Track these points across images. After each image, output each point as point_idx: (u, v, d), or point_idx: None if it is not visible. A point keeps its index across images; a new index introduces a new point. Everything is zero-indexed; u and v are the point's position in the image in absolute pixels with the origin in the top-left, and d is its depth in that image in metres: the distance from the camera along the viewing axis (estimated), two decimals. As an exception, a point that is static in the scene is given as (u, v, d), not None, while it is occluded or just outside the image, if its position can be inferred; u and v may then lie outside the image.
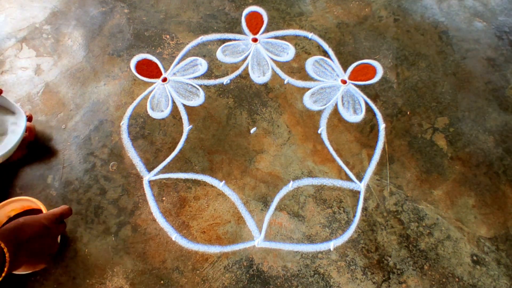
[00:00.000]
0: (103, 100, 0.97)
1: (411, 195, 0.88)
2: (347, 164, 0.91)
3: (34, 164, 0.87)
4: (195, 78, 1.02)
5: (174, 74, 1.02)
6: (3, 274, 0.49)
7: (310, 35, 1.10)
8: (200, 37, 1.08)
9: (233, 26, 1.10)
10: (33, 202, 0.73)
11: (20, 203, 0.75)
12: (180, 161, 0.89)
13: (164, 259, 0.79)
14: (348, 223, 0.84)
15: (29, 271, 0.68)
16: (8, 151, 0.63)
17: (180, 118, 0.95)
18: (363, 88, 1.02)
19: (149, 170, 0.88)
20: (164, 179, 0.87)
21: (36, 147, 0.89)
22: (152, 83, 1.00)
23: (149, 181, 0.87)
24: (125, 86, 0.99)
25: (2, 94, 0.66)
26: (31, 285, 0.75)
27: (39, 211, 0.74)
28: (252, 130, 0.94)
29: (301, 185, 0.88)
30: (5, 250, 0.49)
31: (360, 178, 0.89)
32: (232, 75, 1.02)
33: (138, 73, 1.01)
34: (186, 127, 0.94)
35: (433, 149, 0.94)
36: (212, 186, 0.87)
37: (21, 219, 0.59)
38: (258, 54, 1.06)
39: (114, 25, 1.09)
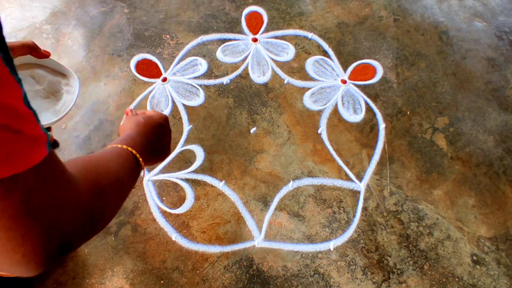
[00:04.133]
0: (103, 100, 0.96)
1: (411, 195, 0.88)
2: (347, 164, 0.91)
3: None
4: (195, 78, 1.02)
5: (174, 74, 1.02)
6: (142, 173, 0.53)
7: (310, 35, 1.10)
8: (200, 37, 1.08)
9: (233, 26, 1.10)
10: None
11: None
12: (180, 161, 0.89)
13: (164, 259, 0.79)
14: (348, 223, 0.84)
15: (157, 164, 0.73)
16: (68, 111, 0.64)
17: (180, 118, 0.95)
18: (363, 88, 1.02)
19: (149, 170, 0.88)
20: (164, 179, 0.87)
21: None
22: (152, 83, 1.00)
23: (149, 181, 0.87)
24: (125, 86, 0.99)
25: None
26: (31, 284, 0.75)
27: None
28: (252, 130, 0.94)
29: (301, 185, 0.88)
30: (141, 161, 0.51)
31: (360, 178, 0.89)
32: (232, 75, 1.02)
33: (138, 73, 1.01)
34: (186, 127, 0.94)
35: (433, 149, 0.94)
36: (212, 186, 0.87)
37: (142, 125, 0.59)
38: (258, 54, 1.06)
39: (114, 25, 1.09)
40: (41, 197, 0.29)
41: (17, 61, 0.64)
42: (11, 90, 0.25)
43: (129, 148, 0.51)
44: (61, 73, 0.69)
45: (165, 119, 0.66)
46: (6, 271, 0.31)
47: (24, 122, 0.26)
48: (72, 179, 0.34)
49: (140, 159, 0.52)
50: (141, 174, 0.54)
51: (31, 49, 0.60)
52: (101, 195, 0.39)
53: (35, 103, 0.66)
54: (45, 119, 0.64)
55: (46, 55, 0.63)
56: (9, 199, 0.26)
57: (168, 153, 0.68)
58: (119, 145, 0.51)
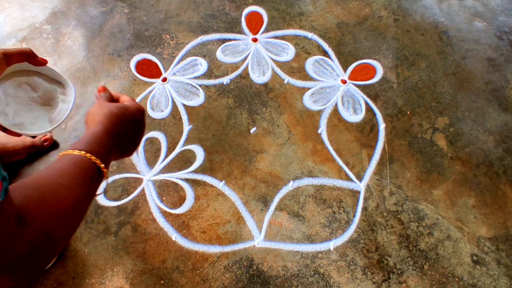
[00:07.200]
0: (103, 100, 0.97)
1: (411, 195, 0.88)
2: (347, 164, 0.91)
3: (34, 164, 0.87)
4: (195, 78, 1.02)
5: (174, 74, 1.02)
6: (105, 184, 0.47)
7: (310, 35, 1.10)
8: (200, 37, 1.08)
9: (233, 26, 1.10)
10: None
11: None
12: (180, 161, 0.89)
13: (164, 259, 0.79)
14: (348, 223, 0.84)
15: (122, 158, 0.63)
16: (62, 120, 0.65)
17: (180, 118, 0.95)
18: (363, 88, 1.02)
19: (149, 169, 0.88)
20: (164, 179, 0.87)
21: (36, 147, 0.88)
22: (152, 83, 1.00)
23: (149, 181, 0.87)
24: (125, 86, 0.99)
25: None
26: (31, 284, 0.75)
27: None
28: (252, 130, 0.94)
29: (301, 185, 0.88)
30: (104, 170, 0.44)
31: (360, 178, 0.89)
32: (232, 75, 1.02)
33: (138, 73, 1.01)
34: (186, 127, 0.94)
35: (433, 149, 0.94)
36: (212, 186, 0.87)
37: (114, 113, 0.50)
38: (258, 54, 1.06)
39: (114, 25, 1.09)
40: None
41: (14, 67, 0.64)
42: None
43: (92, 158, 0.43)
44: (57, 81, 0.69)
45: (142, 112, 0.57)
46: None
47: None
48: (22, 222, 0.33)
49: (104, 170, 0.44)
50: (102, 184, 0.47)
51: (28, 56, 0.60)
52: (53, 230, 0.36)
53: (30, 110, 0.67)
54: (40, 128, 0.65)
55: (43, 62, 0.63)
56: None
57: (137, 148, 0.58)
58: (80, 152, 0.43)
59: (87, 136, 0.46)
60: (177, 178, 0.87)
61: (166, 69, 1.02)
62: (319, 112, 0.98)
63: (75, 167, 0.41)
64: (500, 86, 1.04)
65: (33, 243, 0.33)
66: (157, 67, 1.03)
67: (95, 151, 0.44)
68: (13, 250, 0.32)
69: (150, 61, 1.04)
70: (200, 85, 1.00)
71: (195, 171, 0.88)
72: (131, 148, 0.55)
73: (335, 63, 1.06)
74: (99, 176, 0.44)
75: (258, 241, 0.81)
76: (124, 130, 0.51)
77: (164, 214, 0.83)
